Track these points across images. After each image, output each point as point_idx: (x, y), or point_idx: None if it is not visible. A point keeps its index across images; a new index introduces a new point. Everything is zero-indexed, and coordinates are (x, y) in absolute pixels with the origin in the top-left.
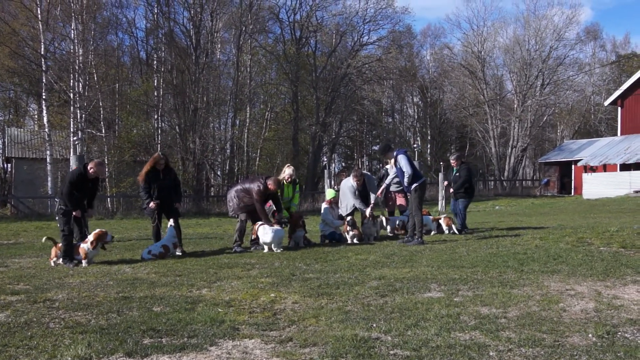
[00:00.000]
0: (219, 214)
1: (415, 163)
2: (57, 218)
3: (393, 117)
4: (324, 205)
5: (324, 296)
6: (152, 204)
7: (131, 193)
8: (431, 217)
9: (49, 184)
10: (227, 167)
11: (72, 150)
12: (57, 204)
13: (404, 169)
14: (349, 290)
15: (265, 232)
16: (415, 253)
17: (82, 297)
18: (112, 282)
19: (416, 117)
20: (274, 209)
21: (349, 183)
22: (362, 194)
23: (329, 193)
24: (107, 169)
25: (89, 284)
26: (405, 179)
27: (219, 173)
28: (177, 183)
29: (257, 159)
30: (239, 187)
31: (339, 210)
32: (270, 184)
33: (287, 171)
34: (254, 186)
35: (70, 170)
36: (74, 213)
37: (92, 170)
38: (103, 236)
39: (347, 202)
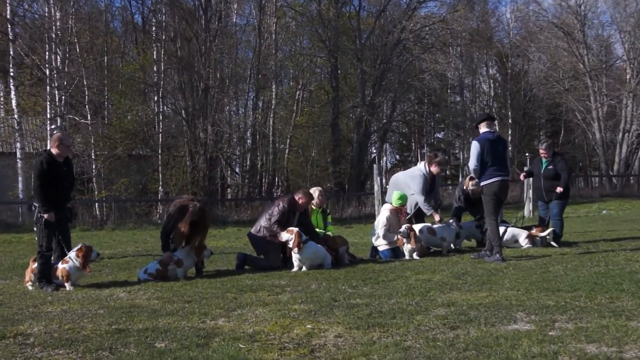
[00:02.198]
0: (238, 222)
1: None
2: (35, 229)
3: (462, 95)
4: (384, 213)
5: (375, 328)
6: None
7: (126, 196)
8: (510, 226)
9: (20, 184)
10: (248, 163)
11: (48, 141)
12: (35, 211)
13: (470, 163)
14: (408, 321)
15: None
16: (494, 272)
17: (65, 330)
18: (103, 310)
19: (492, 94)
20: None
21: (415, 173)
22: (430, 189)
23: (402, 200)
24: (73, 147)
25: (73, 314)
26: (472, 174)
27: (237, 170)
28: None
29: (287, 151)
30: (261, 223)
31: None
32: (300, 197)
33: (316, 195)
34: (275, 207)
35: (33, 162)
36: (45, 216)
37: (57, 149)
38: (88, 253)
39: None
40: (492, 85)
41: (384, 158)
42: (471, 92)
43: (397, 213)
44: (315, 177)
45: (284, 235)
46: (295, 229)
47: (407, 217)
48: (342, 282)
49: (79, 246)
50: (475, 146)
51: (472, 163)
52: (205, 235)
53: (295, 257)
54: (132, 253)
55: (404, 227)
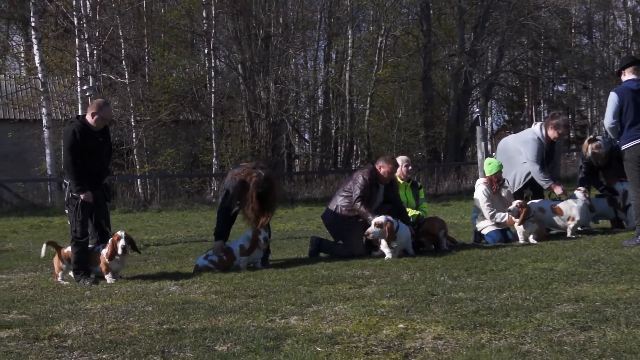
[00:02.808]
0: (309, 201)
1: None
2: (66, 211)
3: (590, 37)
4: (479, 188)
5: (484, 328)
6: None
7: (173, 171)
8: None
9: (48, 158)
10: (320, 127)
11: (80, 106)
12: (65, 189)
13: (605, 120)
14: (525, 319)
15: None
16: (636, 259)
17: (107, 331)
18: (152, 307)
19: (631, 33)
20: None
21: (527, 137)
22: (548, 159)
23: (491, 165)
24: (113, 115)
25: (117, 311)
26: (608, 133)
27: (306, 137)
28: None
29: (367, 113)
30: (338, 202)
31: (506, 187)
32: (381, 165)
33: (402, 165)
34: (354, 181)
35: (63, 132)
36: (81, 196)
37: (93, 117)
38: (117, 242)
39: (517, 170)
40: (630, 22)
41: (489, 119)
42: (602, 32)
43: (492, 183)
44: (402, 144)
45: (373, 230)
46: (382, 219)
47: (504, 186)
48: (441, 272)
49: (120, 232)
50: (613, 99)
51: (608, 120)
52: (273, 212)
53: (385, 246)
54: (182, 239)
55: (515, 204)
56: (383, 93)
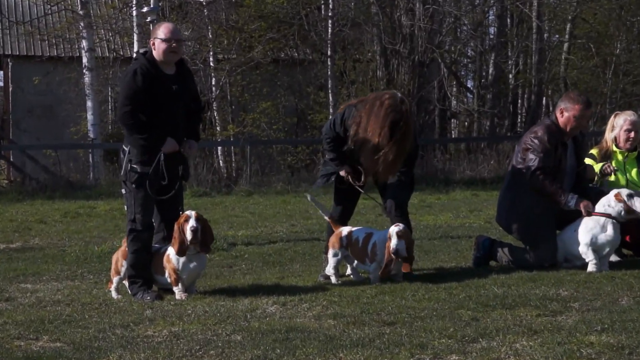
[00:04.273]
0: (472, 182)
1: None
2: (123, 191)
3: None
4: None
5: None
6: (343, 171)
7: (270, 136)
8: None
9: (90, 115)
10: (490, 71)
11: (136, 37)
12: (124, 159)
13: None
14: None
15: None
16: None
17: None
18: (241, 336)
19: None
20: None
21: None
22: None
23: None
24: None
25: (190, 341)
26: None
27: (469, 85)
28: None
29: (565, 47)
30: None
31: None
32: (563, 107)
33: (622, 123)
34: (527, 146)
35: (120, 76)
36: (162, 149)
37: (156, 45)
38: (183, 227)
39: None
40: None
41: None
42: None
43: None
44: (621, 97)
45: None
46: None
47: None
48: None
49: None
50: None
51: None
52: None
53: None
54: (284, 236)
55: None
56: (592, 16)
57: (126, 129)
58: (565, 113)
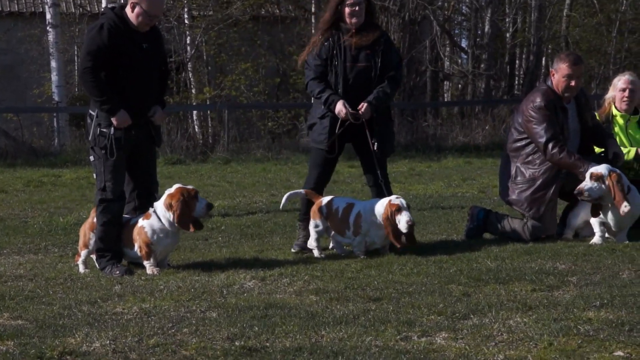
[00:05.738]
0: (466, 149)
1: None
2: (91, 158)
3: None
4: None
5: None
6: (339, 105)
7: (249, 99)
8: None
9: (55, 76)
10: (486, 30)
11: None
12: (91, 124)
13: None
14: None
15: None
16: None
17: (148, 348)
18: (216, 313)
19: None
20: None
21: None
22: None
23: None
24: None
25: (163, 318)
26: None
27: (464, 44)
28: (393, 64)
29: (567, 3)
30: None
31: None
32: (555, 68)
33: (617, 83)
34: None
35: (88, 28)
36: (113, 121)
37: (135, 10)
38: (189, 202)
39: None
40: None
41: None
42: None
43: None
44: (626, 57)
45: (590, 186)
46: (603, 168)
47: None
48: None
49: (172, 189)
50: None
51: None
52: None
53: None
54: (264, 206)
55: None
56: None
57: (85, 88)
58: (555, 75)
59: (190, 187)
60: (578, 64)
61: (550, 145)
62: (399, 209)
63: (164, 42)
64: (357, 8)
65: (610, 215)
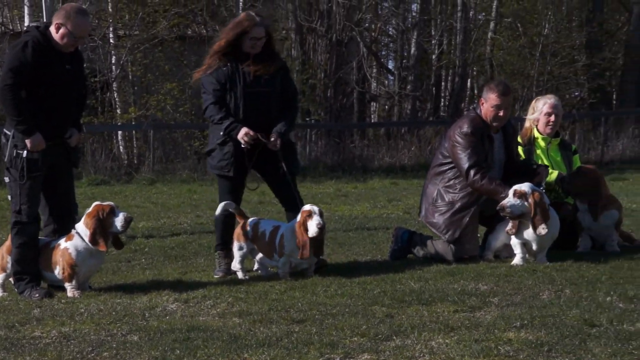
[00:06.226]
0: (392, 170)
1: None
2: (6, 179)
3: None
4: None
5: None
6: (242, 133)
7: (175, 119)
8: None
9: None
10: (412, 51)
11: (26, 10)
12: (7, 144)
13: None
14: None
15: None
16: None
17: None
18: (138, 336)
19: None
20: None
21: None
22: None
23: None
24: (90, 32)
25: (83, 342)
26: None
27: (390, 66)
28: (291, 93)
29: (491, 26)
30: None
31: None
32: (485, 97)
33: (541, 107)
34: (455, 133)
35: (10, 46)
36: (27, 143)
37: (60, 31)
38: (107, 218)
39: None
40: None
41: None
42: None
43: None
44: (549, 79)
45: (512, 203)
46: (526, 186)
47: None
48: (606, 290)
49: (90, 208)
50: None
51: None
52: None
53: (523, 237)
54: (188, 227)
55: None
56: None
57: (4, 106)
58: (485, 104)
59: (106, 203)
60: (507, 94)
61: (472, 172)
62: (310, 215)
63: (84, 64)
64: (258, 42)
65: (530, 234)
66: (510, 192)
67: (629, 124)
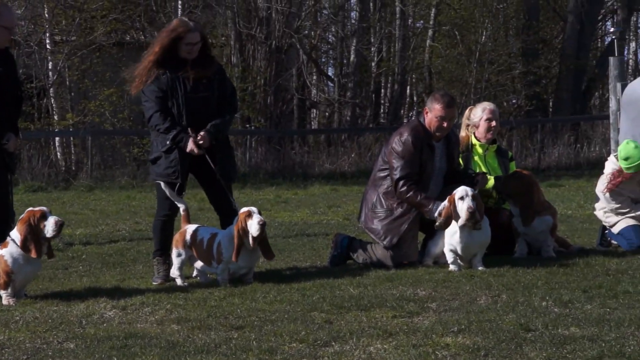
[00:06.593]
0: (332, 176)
1: None
2: None
3: None
4: (609, 165)
5: None
6: (190, 143)
7: (114, 125)
8: None
9: None
10: (352, 58)
11: None
12: None
13: None
14: None
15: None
16: None
17: None
18: (74, 344)
19: None
20: None
21: None
22: None
23: (631, 161)
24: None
25: (18, 350)
26: None
27: (330, 73)
28: (231, 98)
29: (430, 34)
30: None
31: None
32: (429, 107)
33: (480, 113)
34: (395, 141)
35: None
36: None
37: None
38: (37, 224)
39: None
40: None
41: (632, 45)
42: None
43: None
44: (486, 87)
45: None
46: (463, 190)
47: None
48: (542, 294)
49: (23, 214)
50: None
51: None
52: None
53: (452, 244)
54: (127, 234)
55: None
56: (457, 2)
57: None
58: (429, 114)
59: (37, 208)
60: (451, 106)
61: (401, 183)
62: (250, 214)
63: (18, 67)
64: (194, 47)
65: (457, 240)
66: (437, 213)
67: (565, 131)
